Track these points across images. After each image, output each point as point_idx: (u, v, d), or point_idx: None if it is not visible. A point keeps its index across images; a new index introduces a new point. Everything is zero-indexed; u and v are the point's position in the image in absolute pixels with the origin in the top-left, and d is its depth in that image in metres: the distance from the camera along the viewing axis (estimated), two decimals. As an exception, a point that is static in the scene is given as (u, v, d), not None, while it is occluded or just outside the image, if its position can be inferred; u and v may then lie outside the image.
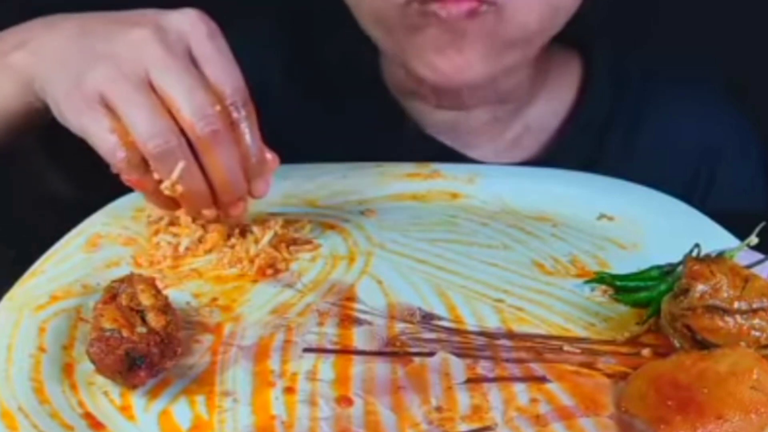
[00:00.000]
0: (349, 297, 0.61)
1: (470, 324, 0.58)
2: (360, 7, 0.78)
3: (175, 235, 0.66)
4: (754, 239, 0.60)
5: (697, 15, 0.94)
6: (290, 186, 0.75)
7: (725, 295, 0.53)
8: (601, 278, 0.63)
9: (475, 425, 0.49)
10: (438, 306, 0.60)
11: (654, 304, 0.58)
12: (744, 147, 0.91)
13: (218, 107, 0.61)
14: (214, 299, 0.61)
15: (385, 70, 0.88)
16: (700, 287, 0.53)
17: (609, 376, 0.54)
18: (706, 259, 0.55)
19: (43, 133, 0.72)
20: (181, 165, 0.61)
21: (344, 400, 0.51)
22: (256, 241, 0.66)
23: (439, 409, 0.51)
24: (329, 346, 0.56)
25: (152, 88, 0.61)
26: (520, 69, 0.82)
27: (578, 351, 0.56)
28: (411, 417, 0.50)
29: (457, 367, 0.54)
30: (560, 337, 0.57)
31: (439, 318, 0.59)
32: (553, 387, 0.52)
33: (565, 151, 0.86)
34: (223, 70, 0.62)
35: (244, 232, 0.67)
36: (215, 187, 0.63)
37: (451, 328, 0.58)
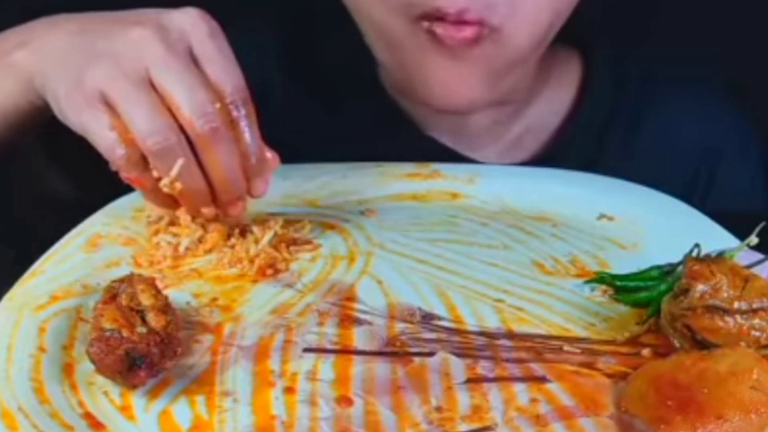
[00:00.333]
0: (349, 297, 0.61)
1: (470, 324, 0.58)
2: (365, 22, 0.78)
3: (175, 235, 0.66)
4: (754, 239, 0.60)
5: (697, 15, 0.94)
6: (290, 186, 0.75)
7: (725, 295, 0.53)
8: (601, 278, 0.63)
9: (475, 425, 0.49)
10: (438, 306, 0.60)
11: (654, 304, 0.58)
12: (744, 147, 0.91)
13: (218, 105, 0.61)
14: (214, 299, 0.61)
15: (384, 72, 0.88)
16: (700, 287, 0.53)
17: (609, 376, 0.54)
18: (706, 259, 0.55)
19: (43, 133, 0.72)
20: (180, 162, 0.61)
21: (344, 400, 0.51)
22: (256, 241, 0.66)
23: (439, 409, 0.51)
24: (329, 346, 0.56)
25: (153, 86, 0.61)
26: (522, 78, 0.82)
27: (578, 351, 0.56)
28: (411, 417, 0.50)
29: (457, 367, 0.54)
30: (560, 337, 0.57)
31: (439, 318, 0.59)
32: (553, 387, 0.52)
33: (566, 150, 0.86)
34: (223, 69, 0.62)
35: (244, 232, 0.67)
36: (214, 185, 0.63)
37: (451, 328, 0.58)
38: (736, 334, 0.53)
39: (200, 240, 0.66)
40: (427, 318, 0.59)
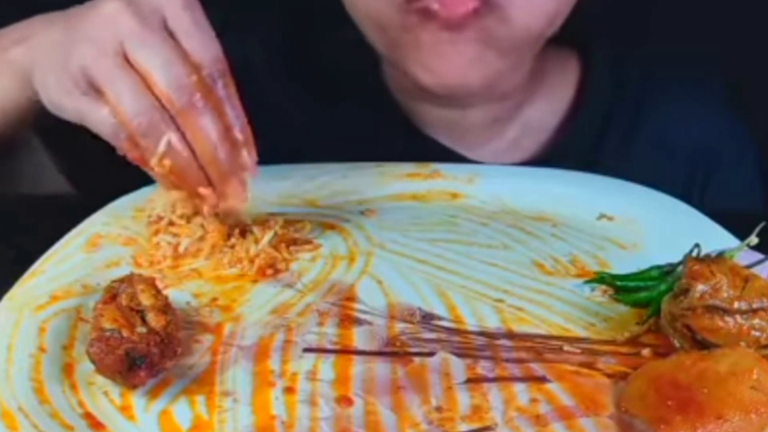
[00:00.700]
0: (349, 297, 0.61)
1: (470, 324, 0.58)
2: (357, 9, 0.78)
3: (175, 235, 0.66)
4: (754, 239, 0.60)
5: (696, 15, 0.94)
6: (290, 186, 0.75)
7: (725, 295, 0.53)
8: (601, 278, 0.63)
9: (475, 425, 0.49)
10: (438, 306, 0.60)
11: (654, 304, 0.58)
12: (740, 149, 0.91)
13: (195, 78, 0.60)
14: (214, 299, 0.61)
15: (383, 70, 0.88)
16: (700, 287, 0.53)
17: (609, 376, 0.54)
18: (706, 259, 0.55)
19: (44, 132, 0.72)
20: (164, 139, 0.60)
21: (344, 400, 0.51)
22: (256, 241, 0.66)
23: (439, 409, 0.51)
24: (329, 346, 0.56)
25: (130, 63, 0.60)
26: (518, 68, 0.82)
27: (578, 351, 0.56)
28: (411, 417, 0.50)
29: (457, 367, 0.54)
30: (560, 337, 0.57)
31: (439, 318, 0.59)
32: (553, 387, 0.52)
33: (564, 151, 0.86)
34: (200, 41, 0.61)
35: (244, 232, 0.67)
36: (201, 159, 0.62)
37: (451, 328, 0.58)
38: (736, 334, 0.53)
39: (200, 240, 0.66)
40: (427, 318, 0.59)
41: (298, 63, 0.90)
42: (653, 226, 0.70)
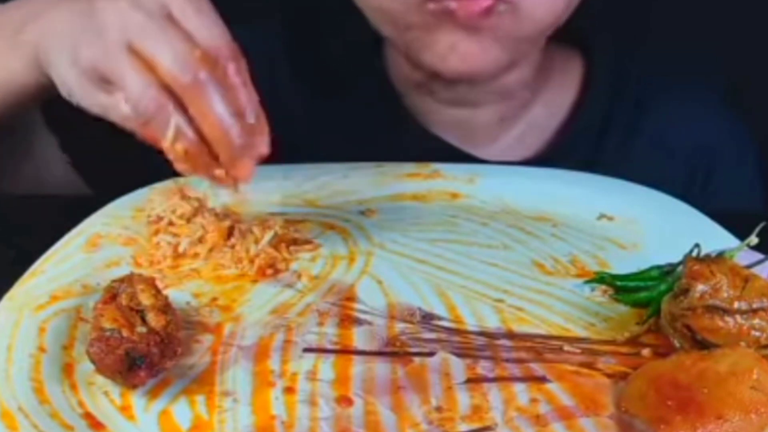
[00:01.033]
0: (349, 297, 0.61)
1: (470, 324, 0.58)
2: (370, 5, 0.78)
3: (175, 235, 0.66)
4: (754, 239, 0.60)
5: (697, 14, 0.95)
6: (290, 186, 0.75)
7: (725, 295, 0.53)
8: (601, 278, 0.63)
9: (475, 425, 0.49)
10: (438, 306, 0.60)
11: (654, 304, 0.58)
12: (740, 148, 0.91)
13: (198, 53, 0.59)
14: (214, 299, 0.61)
15: (390, 67, 0.88)
16: (700, 287, 0.53)
17: (609, 376, 0.54)
18: (706, 259, 0.55)
19: (50, 117, 0.72)
20: (173, 121, 0.60)
21: (344, 400, 0.51)
22: (256, 241, 0.66)
23: (439, 409, 0.51)
24: (329, 346, 0.56)
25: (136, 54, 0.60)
26: (525, 64, 0.83)
27: (578, 351, 0.56)
28: (411, 417, 0.50)
29: (457, 367, 0.54)
30: (560, 337, 0.57)
31: (439, 318, 0.59)
32: (553, 387, 0.52)
33: (567, 149, 0.86)
34: (206, 27, 0.61)
35: (244, 232, 0.67)
36: (210, 140, 0.61)
37: (451, 328, 0.58)
38: (736, 334, 0.53)
39: (200, 240, 0.66)
40: (427, 318, 0.59)
41: (301, 57, 0.90)
42: (653, 226, 0.70)
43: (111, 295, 0.54)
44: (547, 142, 0.88)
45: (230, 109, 0.60)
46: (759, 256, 0.60)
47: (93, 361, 0.51)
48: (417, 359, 0.55)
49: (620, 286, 0.62)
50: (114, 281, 0.56)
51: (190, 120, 0.60)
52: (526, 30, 0.76)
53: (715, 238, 0.64)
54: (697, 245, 0.59)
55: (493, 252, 0.68)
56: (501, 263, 0.66)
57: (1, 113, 0.73)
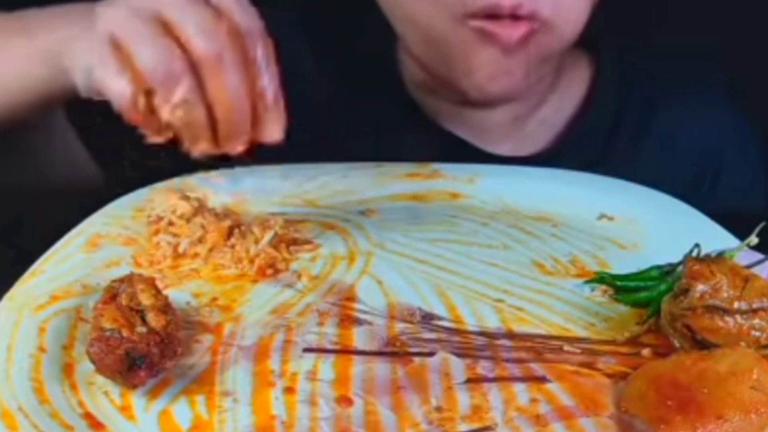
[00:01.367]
0: (349, 297, 0.61)
1: (470, 324, 0.58)
2: (409, 24, 0.79)
3: (175, 235, 0.66)
4: (754, 239, 0.60)
5: (705, 14, 0.95)
6: (290, 186, 0.75)
7: (725, 295, 0.53)
8: (601, 278, 0.63)
9: (475, 425, 0.49)
10: (438, 306, 0.60)
11: (654, 304, 0.58)
12: (746, 148, 0.91)
13: (224, 27, 0.59)
14: (214, 299, 0.61)
15: (404, 67, 0.89)
16: (700, 287, 0.53)
17: (609, 376, 0.54)
18: (706, 259, 0.55)
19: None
20: (184, 84, 0.58)
21: (344, 400, 0.51)
22: (256, 241, 0.66)
23: (439, 409, 0.51)
24: (329, 346, 0.56)
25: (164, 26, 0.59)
26: (544, 71, 0.84)
27: (578, 351, 0.56)
28: (411, 417, 0.50)
29: (457, 367, 0.54)
30: (560, 337, 0.57)
31: (439, 318, 0.59)
32: (553, 387, 0.52)
33: (575, 146, 0.87)
34: (237, 7, 0.60)
35: (244, 232, 0.67)
36: (218, 114, 0.60)
37: (451, 328, 0.58)
38: (736, 334, 0.53)
39: (200, 240, 0.66)
40: (427, 318, 0.59)
41: (320, 47, 0.90)
42: (653, 226, 0.70)
43: (111, 295, 0.54)
44: (556, 139, 0.89)
45: (246, 87, 0.59)
46: (759, 256, 0.60)
47: (93, 361, 0.51)
48: (417, 359, 0.55)
49: (620, 286, 0.62)
50: (114, 281, 0.56)
51: (201, 90, 0.59)
52: (555, 47, 0.79)
53: (715, 238, 0.64)
54: (697, 245, 0.59)
55: (493, 252, 0.68)
56: (501, 263, 0.66)
57: (24, 115, 0.73)
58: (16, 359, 0.53)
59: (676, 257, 0.60)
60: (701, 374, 0.49)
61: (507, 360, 0.55)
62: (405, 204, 0.75)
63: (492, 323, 0.59)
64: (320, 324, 0.58)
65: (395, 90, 0.88)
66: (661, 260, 0.61)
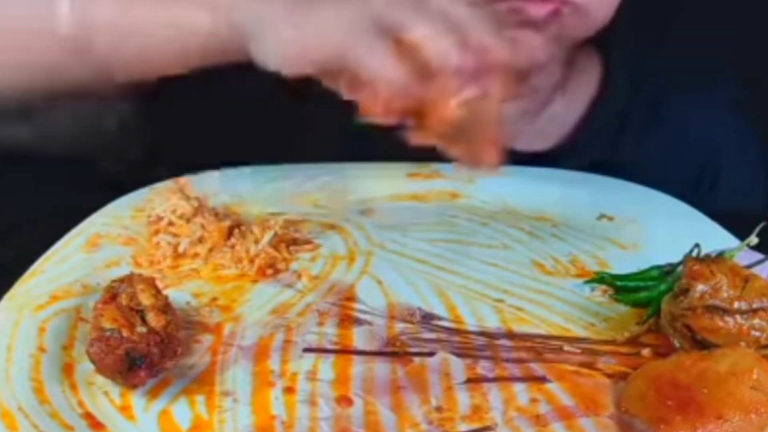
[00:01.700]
0: (349, 297, 0.61)
1: (470, 324, 0.58)
2: None
3: (175, 235, 0.66)
4: (754, 239, 0.60)
5: (716, 16, 0.95)
6: (290, 186, 0.75)
7: (725, 295, 0.53)
8: (601, 278, 0.63)
9: (475, 425, 0.49)
10: (438, 306, 0.60)
11: (654, 304, 0.58)
12: (746, 148, 0.92)
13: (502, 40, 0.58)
14: (214, 299, 0.61)
15: None
16: (700, 287, 0.53)
17: (609, 376, 0.54)
18: (706, 259, 0.55)
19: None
20: (478, 84, 0.57)
21: (344, 400, 0.51)
22: (256, 241, 0.66)
23: (439, 409, 0.51)
24: (329, 346, 0.56)
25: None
26: (554, 62, 0.84)
27: (578, 351, 0.56)
28: (411, 417, 0.50)
29: (457, 367, 0.54)
30: (560, 337, 0.57)
31: (439, 318, 0.59)
32: (553, 387, 0.52)
33: (584, 143, 0.87)
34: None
35: (244, 232, 0.67)
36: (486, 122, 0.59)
37: (451, 328, 0.58)
38: (736, 334, 0.53)
39: (200, 240, 0.66)
40: (427, 318, 0.59)
41: None
42: (653, 226, 0.70)
43: (111, 295, 0.54)
44: (566, 136, 0.89)
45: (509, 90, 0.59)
46: (759, 256, 0.60)
47: (93, 361, 0.51)
48: (417, 359, 0.55)
49: (620, 286, 0.62)
50: (114, 281, 0.56)
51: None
52: (582, 31, 0.79)
53: (715, 238, 0.64)
54: (697, 245, 0.59)
55: (493, 252, 0.68)
56: (501, 263, 0.66)
57: (170, 66, 0.69)
58: (16, 359, 0.53)
59: (676, 257, 0.60)
60: (701, 374, 0.49)
61: (507, 360, 0.55)
62: (405, 204, 0.75)
63: (492, 323, 0.59)
64: (320, 324, 0.58)
65: None
66: (661, 260, 0.61)
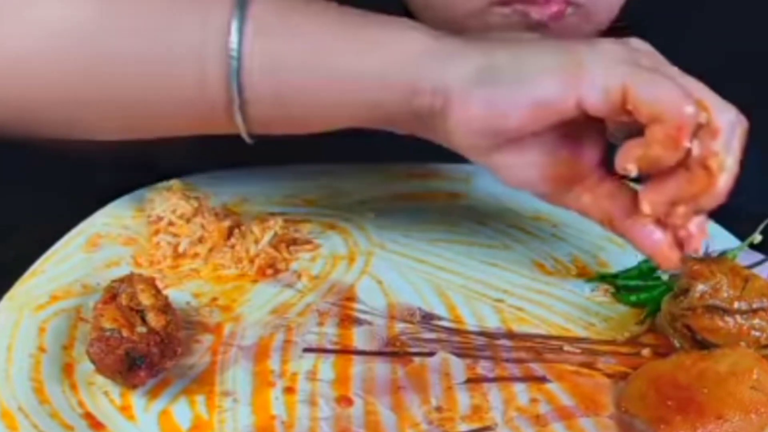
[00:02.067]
0: (349, 297, 0.61)
1: (470, 324, 0.58)
2: (430, 13, 0.78)
3: (175, 235, 0.66)
4: (757, 237, 0.60)
5: (716, 15, 0.95)
6: (290, 186, 0.75)
7: (725, 295, 0.53)
8: (601, 278, 0.63)
9: (475, 425, 0.49)
10: (438, 306, 0.60)
11: (653, 304, 0.58)
12: (745, 149, 0.91)
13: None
14: (214, 299, 0.61)
15: None
16: (700, 287, 0.53)
17: (609, 376, 0.54)
18: (706, 259, 0.55)
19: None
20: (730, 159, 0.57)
21: (344, 400, 0.51)
22: (256, 241, 0.66)
23: (439, 409, 0.51)
24: (329, 346, 0.56)
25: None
26: None
27: (578, 351, 0.56)
28: (411, 417, 0.50)
29: (457, 367, 0.54)
30: (560, 337, 0.57)
31: (439, 318, 0.59)
32: (553, 387, 0.52)
33: None
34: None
35: (244, 232, 0.67)
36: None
37: (451, 328, 0.58)
38: (736, 334, 0.53)
39: (200, 240, 0.66)
40: (427, 318, 0.59)
41: None
42: (653, 226, 0.70)
43: (111, 295, 0.54)
44: None
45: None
46: (760, 256, 0.60)
47: (93, 361, 0.51)
48: (417, 359, 0.55)
49: (620, 286, 0.62)
50: (114, 281, 0.56)
51: None
52: (586, 31, 0.77)
53: (715, 238, 0.64)
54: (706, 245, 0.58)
55: (493, 252, 0.67)
56: (501, 263, 0.66)
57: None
58: (16, 359, 0.53)
59: (675, 257, 0.59)
60: (701, 374, 0.49)
61: (507, 360, 0.55)
62: (405, 204, 0.75)
63: (492, 323, 0.59)
64: (320, 324, 0.58)
65: None
66: (661, 260, 0.61)
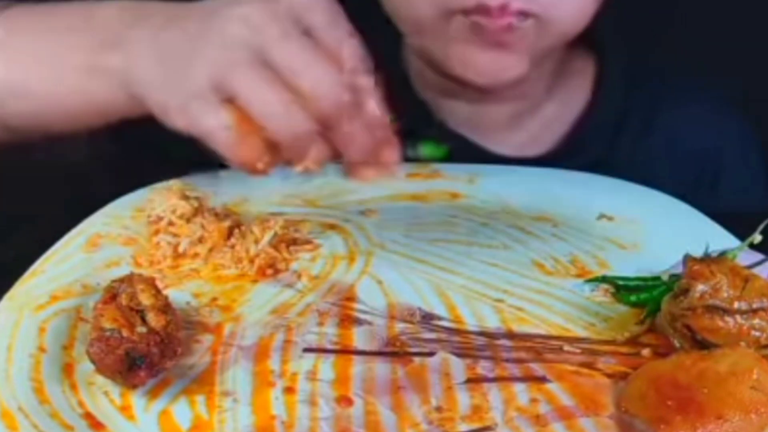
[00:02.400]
0: (349, 297, 0.61)
1: (470, 324, 0.59)
2: (399, 16, 0.80)
3: (175, 235, 0.66)
4: (757, 237, 0.60)
5: (710, 17, 0.95)
6: (290, 186, 0.75)
7: (725, 295, 0.53)
8: (601, 278, 0.63)
9: (475, 425, 0.49)
10: (438, 306, 0.60)
11: (653, 304, 0.58)
12: (746, 150, 0.92)
13: (340, 76, 0.56)
14: (214, 299, 0.61)
15: (408, 65, 0.89)
16: (700, 287, 0.53)
17: (609, 376, 0.54)
18: (706, 259, 0.55)
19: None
20: (315, 150, 0.56)
21: (344, 400, 0.51)
22: (256, 241, 0.66)
23: (439, 409, 0.51)
24: (329, 346, 0.56)
25: (268, 66, 0.55)
26: (543, 67, 0.85)
27: (578, 351, 0.56)
28: (411, 417, 0.50)
29: (457, 367, 0.54)
30: (560, 337, 0.57)
31: (439, 318, 0.59)
32: (553, 387, 0.53)
33: (580, 147, 0.87)
34: (338, 37, 0.57)
35: (244, 232, 0.67)
36: (348, 158, 0.58)
37: (451, 328, 0.58)
38: (736, 334, 0.53)
39: (200, 240, 0.66)
40: (427, 318, 0.59)
41: None
42: (653, 226, 0.70)
43: (111, 295, 0.54)
44: (561, 140, 0.89)
45: (366, 127, 0.57)
46: (759, 256, 0.60)
47: (93, 361, 0.51)
48: (417, 359, 0.55)
49: (620, 286, 0.62)
50: (114, 281, 0.56)
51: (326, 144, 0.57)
52: (549, 41, 0.79)
53: (715, 238, 0.64)
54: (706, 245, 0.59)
55: (493, 252, 0.68)
56: (501, 263, 0.66)
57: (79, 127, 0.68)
58: (16, 359, 0.53)
59: (676, 257, 0.59)
60: (701, 374, 0.49)
61: (507, 360, 0.55)
62: (405, 204, 0.75)
63: (492, 323, 0.59)
64: (320, 324, 0.58)
65: (402, 90, 0.88)
66: (661, 260, 0.61)
